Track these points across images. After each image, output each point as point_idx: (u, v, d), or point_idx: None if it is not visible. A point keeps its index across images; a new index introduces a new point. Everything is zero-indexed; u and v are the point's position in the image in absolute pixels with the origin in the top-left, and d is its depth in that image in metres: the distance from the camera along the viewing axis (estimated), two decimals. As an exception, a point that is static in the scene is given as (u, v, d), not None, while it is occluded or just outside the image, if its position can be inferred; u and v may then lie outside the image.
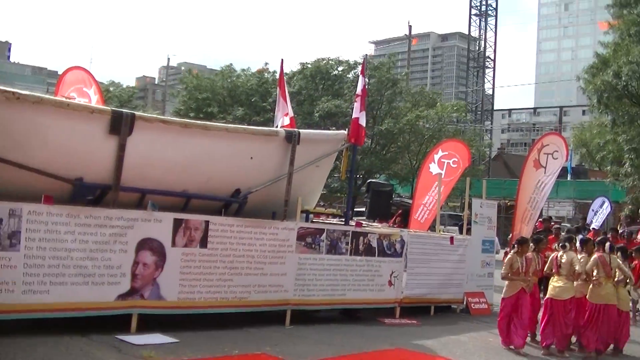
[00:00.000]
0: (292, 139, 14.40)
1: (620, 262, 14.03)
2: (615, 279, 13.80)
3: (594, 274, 13.62)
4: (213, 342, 11.81)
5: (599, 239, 15.15)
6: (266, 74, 50.41)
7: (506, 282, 13.82)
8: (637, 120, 28.05)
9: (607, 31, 33.42)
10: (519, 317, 13.57)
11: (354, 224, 16.41)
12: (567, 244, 14.29)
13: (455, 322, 16.61)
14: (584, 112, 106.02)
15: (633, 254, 17.77)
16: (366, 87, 19.12)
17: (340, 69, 47.50)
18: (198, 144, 13.09)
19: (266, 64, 54.39)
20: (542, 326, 13.94)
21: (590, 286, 13.71)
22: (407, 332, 14.58)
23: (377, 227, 17.82)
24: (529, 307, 13.82)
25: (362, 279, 15.34)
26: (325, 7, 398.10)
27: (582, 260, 13.83)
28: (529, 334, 14.28)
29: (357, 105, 16.46)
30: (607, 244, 14.27)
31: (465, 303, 18.02)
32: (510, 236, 20.69)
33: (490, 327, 15.52)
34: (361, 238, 15.42)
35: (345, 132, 16.13)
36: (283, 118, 18.37)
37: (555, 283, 13.89)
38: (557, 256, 14.06)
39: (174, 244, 12.33)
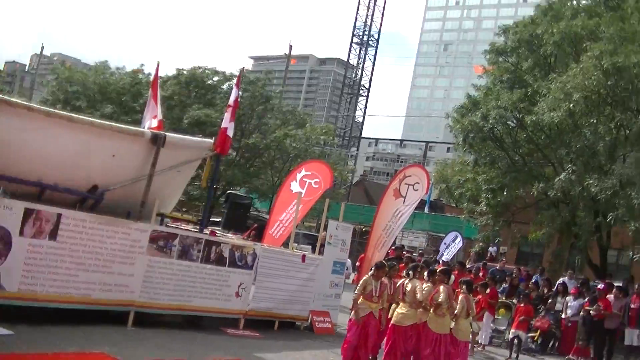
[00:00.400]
0: (157, 141, 14.37)
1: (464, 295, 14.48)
2: (455, 312, 14.27)
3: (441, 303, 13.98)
4: (51, 338, 11.63)
5: (441, 268, 15.57)
6: (140, 75, 49.68)
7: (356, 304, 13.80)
8: (497, 163, 28.94)
9: (481, 75, 34.31)
10: (364, 341, 13.60)
11: (208, 232, 16.44)
12: (411, 272, 14.70)
13: (298, 338, 16.75)
14: (448, 150, 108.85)
15: (478, 289, 18.43)
16: (239, 99, 19.23)
17: (215, 79, 47.31)
18: (60, 134, 12.91)
19: (142, 65, 53.51)
20: (385, 351, 14.23)
21: (432, 315, 14.05)
22: (249, 344, 14.64)
23: (231, 238, 17.90)
24: (375, 332, 13.90)
25: (209, 288, 15.38)
26: (208, 17, 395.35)
27: (426, 289, 14.18)
28: (370, 358, 14.47)
29: (227, 116, 16.62)
30: (452, 277, 14.78)
31: (310, 321, 18.08)
32: (360, 257, 21.04)
33: (332, 346, 15.74)
34: (214, 247, 15.48)
35: (212, 140, 16.20)
36: (151, 120, 18.27)
37: (399, 310, 14.20)
38: (403, 283, 14.44)
39: (21, 233, 12.08)
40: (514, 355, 19.23)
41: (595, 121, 24.42)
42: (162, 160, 14.48)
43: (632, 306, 21.11)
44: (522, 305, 20.36)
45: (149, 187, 14.39)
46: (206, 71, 46.88)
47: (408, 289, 14.18)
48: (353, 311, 13.72)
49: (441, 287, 14.06)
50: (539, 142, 28.66)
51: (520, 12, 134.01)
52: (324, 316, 18.38)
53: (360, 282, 14.08)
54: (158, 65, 20.01)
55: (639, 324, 20.93)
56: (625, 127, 24.43)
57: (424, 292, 14.04)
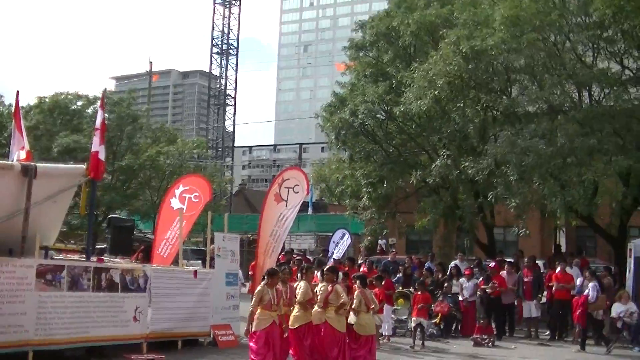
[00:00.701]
0: (28, 172, 13.90)
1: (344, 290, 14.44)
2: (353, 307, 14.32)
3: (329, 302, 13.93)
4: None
5: (328, 267, 15.50)
6: (1, 107, 48.13)
7: (256, 315, 13.43)
8: (373, 156, 29.28)
9: (344, 72, 34.82)
10: (270, 350, 13.34)
11: (95, 260, 16.04)
12: (299, 274, 14.69)
13: (203, 355, 16.56)
14: (322, 149, 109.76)
15: (373, 282, 18.57)
16: (106, 122, 18.85)
17: (79, 103, 46.35)
18: None
19: (1, 96, 51.71)
20: (293, 357, 14.13)
21: (334, 315, 13.88)
22: (154, 368, 14.40)
23: (120, 263, 17.52)
24: (279, 339, 13.68)
25: (105, 316, 15.05)
26: (63, 40, 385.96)
27: (322, 289, 14.15)
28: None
29: (96, 139, 16.30)
30: (340, 273, 14.79)
31: (212, 336, 17.90)
32: (251, 265, 20.88)
33: (238, 358, 15.66)
34: (103, 274, 15.14)
35: (84, 166, 15.79)
36: (19, 152, 17.71)
37: (292, 312, 14.16)
38: (296, 286, 14.40)
39: None
40: (419, 342, 19.37)
41: (462, 105, 25.06)
42: (36, 191, 14.02)
43: (525, 279, 21.93)
44: (419, 293, 20.57)
45: (27, 221, 13.92)
46: (68, 96, 45.86)
47: (297, 290, 14.16)
48: (253, 323, 13.39)
49: (338, 287, 14.06)
50: (411, 132, 29.19)
51: (374, 6, 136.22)
52: (226, 329, 18.20)
53: (255, 293, 13.70)
54: (18, 94, 19.38)
55: (535, 295, 21.74)
56: (492, 107, 25.18)
57: (320, 292, 14.02)
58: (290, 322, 13.99)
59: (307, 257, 29.17)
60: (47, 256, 15.39)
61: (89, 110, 45.62)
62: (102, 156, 16.10)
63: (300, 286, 14.21)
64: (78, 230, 39.17)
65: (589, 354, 18.56)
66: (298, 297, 13.95)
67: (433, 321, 21.35)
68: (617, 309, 19.84)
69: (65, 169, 16.39)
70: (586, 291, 19.76)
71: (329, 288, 13.99)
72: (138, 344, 15.86)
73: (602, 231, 26.27)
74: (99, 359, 14.87)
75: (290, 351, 14.31)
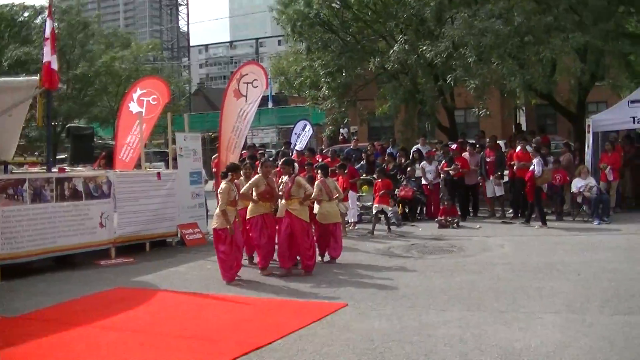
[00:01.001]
0: (-21, 88, 13.73)
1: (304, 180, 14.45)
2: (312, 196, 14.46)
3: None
4: None
5: (283, 159, 15.23)
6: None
7: (216, 212, 13.26)
8: (330, 46, 29.06)
9: (296, -36, 34.34)
10: (237, 248, 13.24)
11: (56, 170, 15.97)
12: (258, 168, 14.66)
13: (173, 255, 16.69)
14: (279, 43, 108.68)
15: (336, 171, 18.64)
16: (56, 31, 18.52)
17: (26, 14, 45.54)
18: None
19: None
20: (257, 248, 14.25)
21: (299, 206, 13.72)
22: (125, 271, 14.50)
23: (82, 171, 17.48)
24: (241, 233, 13.62)
25: (71, 224, 15.07)
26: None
27: (283, 181, 14.11)
28: (246, 258, 14.50)
29: (47, 49, 16.05)
30: (296, 164, 14.84)
31: (179, 235, 18.09)
32: (214, 162, 20.80)
33: (207, 255, 15.73)
34: (66, 183, 15.10)
35: (37, 77, 15.60)
36: (-33, 68, 17.44)
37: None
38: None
39: None
40: (384, 227, 19.51)
41: (416, -11, 24.75)
42: (-10, 106, 13.89)
43: (488, 160, 22.02)
44: (379, 180, 20.65)
45: (-17, 137, 13.82)
46: (14, 8, 44.98)
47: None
48: (217, 221, 13.16)
49: (299, 179, 14.02)
50: (367, 19, 29.01)
51: None
52: (193, 228, 18.39)
53: (222, 192, 13.25)
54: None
55: (495, 174, 21.90)
56: (448, -11, 24.83)
57: (281, 185, 14.02)
58: (246, 214, 14.00)
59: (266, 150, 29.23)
60: (7, 171, 15.37)
61: (37, 21, 44.98)
62: (54, 66, 15.84)
63: (254, 178, 14.10)
64: (37, 142, 39.00)
65: (551, 229, 18.89)
66: (242, 189, 13.84)
67: (396, 210, 21.39)
68: (577, 183, 20.22)
69: (18, 82, 16.26)
70: (531, 167, 19.96)
71: (288, 181, 13.98)
72: (106, 249, 16.04)
73: (562, 108, 26.55)
74: (69, 268, 14.94)
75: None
